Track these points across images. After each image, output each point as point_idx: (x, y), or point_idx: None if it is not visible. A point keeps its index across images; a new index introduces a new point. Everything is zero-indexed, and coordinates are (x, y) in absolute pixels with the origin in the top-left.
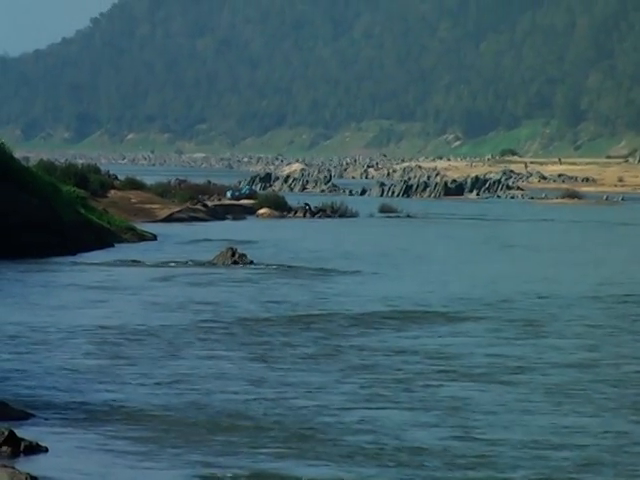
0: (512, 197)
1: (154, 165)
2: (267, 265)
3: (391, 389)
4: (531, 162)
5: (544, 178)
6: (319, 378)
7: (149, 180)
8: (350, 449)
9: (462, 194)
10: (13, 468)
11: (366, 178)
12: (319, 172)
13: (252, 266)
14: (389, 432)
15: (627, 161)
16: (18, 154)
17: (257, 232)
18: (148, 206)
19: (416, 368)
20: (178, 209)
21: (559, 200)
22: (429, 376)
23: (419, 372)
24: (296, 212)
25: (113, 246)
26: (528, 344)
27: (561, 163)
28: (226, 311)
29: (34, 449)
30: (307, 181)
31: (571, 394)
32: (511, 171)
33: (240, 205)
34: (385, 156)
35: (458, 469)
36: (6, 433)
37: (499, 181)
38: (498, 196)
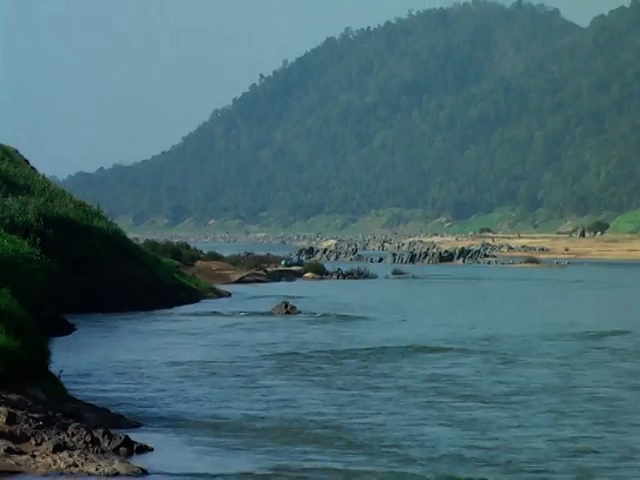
0: (488, 263)
1: (228, 242)
2: (311, 314)
3: (427, 409)
4: (502, 237)
5: (511, 248)
6: (363, 398)
7: (225, 253)
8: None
9: (452, 261)
10: (129, 463)
11: (382, 250)
12: (348, 246)
13: (300, 315)
14: (430, 442)
15: (571, 236)
16: (130, 236)
17: (303, 290)
18: (224, 272)
19: (437, 391)
20: (246, 274)
21: (522, 264)
22: (450, 397)
23: (442, 394)
24: (331, 275)
25: (199, 301)
26: (512, 372)
27: (520, 238)
28: (283, 349)
29: (143, 449)
30: (339, 252)
31: (558, 411)
32: (487, 244)
33: (291, 270)
34: (396, 234)
35: (469, 463)
36: (123, 437)
37: (479, 251)
38: (478, 262)
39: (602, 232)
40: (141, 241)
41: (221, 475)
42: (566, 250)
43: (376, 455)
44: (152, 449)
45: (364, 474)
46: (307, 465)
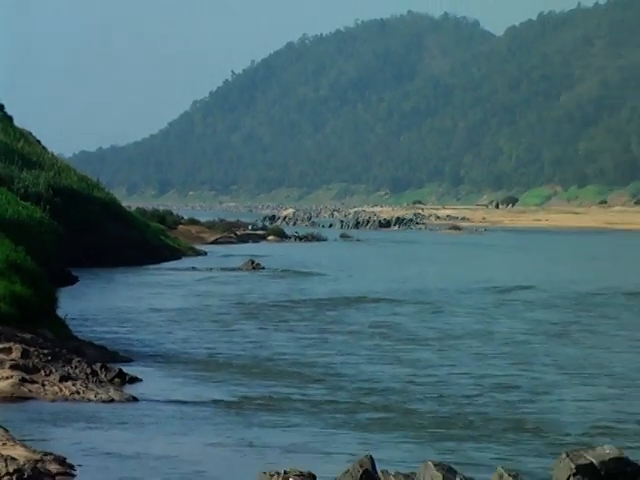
0: (419, 229)
1: (205, 210)
2: (273, 270)
3: (373, 350)
4: (431, 208)
5: (438, 217)
6: (318, 340)
7: (202, 219)
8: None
9: (389, 227)
10: (122, 391)
11: (332, 217)
12: (304, 214)
13: (264, 270)
14: (372, 378)
15: (487, 207)
16: (124, 204)
17: (266, 250)
18: (201, 235)
19: (381, 335)
20: (219, 236)
21: (447, 231)
22: (390, 337)
23: (385, 338)
24: (290, 238)
25: (181, 259)
26: (441, 320)
27: (445, 208)
28: (251, 299)
29: (134, 380)
30: (297, 219)
31: (481, 353)
32: (418, 213)
33: (257, 234)
34: (343, 204)
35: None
36: (117, 370)
37: (411, 219)
38: (411, 228)
39: (513, 205)
40: (133, 208)
41: (199, 403)
42: (483, 219)
43: (333, 388)
44: (141, 380)
45: (322, 403)
46: (273, 395)
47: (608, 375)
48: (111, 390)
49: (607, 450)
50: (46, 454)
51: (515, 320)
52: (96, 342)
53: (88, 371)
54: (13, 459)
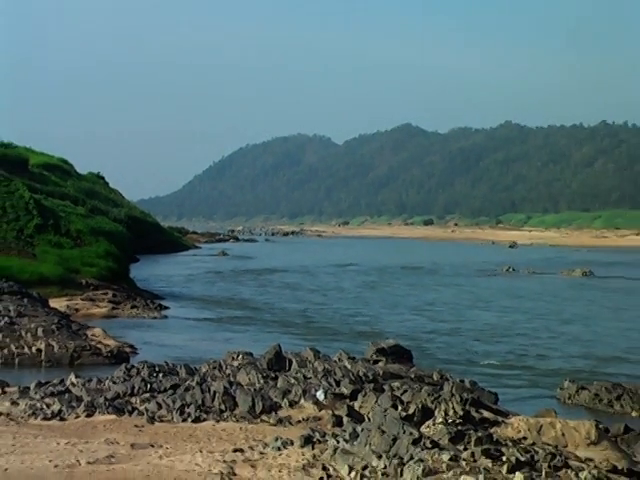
0: (302, 236)
1: (201, 227)
2: (232, 256)
3: (289, 296)
4: (308, 227)
5: (312, 231)
6: (258, 290)
7: (199, 231)
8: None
9: (288, 235)
10: (160, 313)
11: (261, 230)
12: (247, 229)
13: (228, 256)
14: (286, 308)
15: (334, 226)
16: (161, 224)
17: (229, 247)
18: (199, 239)
19: (289, 286)
20: (207, 239)
21: (316, 237)
22: (294, 288)
23: (292, 288)
24: (240, 240)
25: (189, 250)
26: (318, 280)
27: (313, 226)
28: (223, 269)
29: (166, 308)
30: (244, 231)
31: (340, 298)
32: (302, 229)
33: (224, 239)
34: (266, 224)
35: (304, 317)
36: (158, 303)
37: (299, 232)
38: (298, 236)
39: (347, 224)
40: (166, 226)
41: (198, 319)
42: (333, 232)
43: (271, 314)
44: (169, 308)
45: (263, 320)
46: (237, 317)
47: (406, 307)
48: (155, 313)
49: (391, 340)
50: (124, 343)
51: (351, 280)
52: (148, 290)
53: (144, 303)
54: (108, 345)
